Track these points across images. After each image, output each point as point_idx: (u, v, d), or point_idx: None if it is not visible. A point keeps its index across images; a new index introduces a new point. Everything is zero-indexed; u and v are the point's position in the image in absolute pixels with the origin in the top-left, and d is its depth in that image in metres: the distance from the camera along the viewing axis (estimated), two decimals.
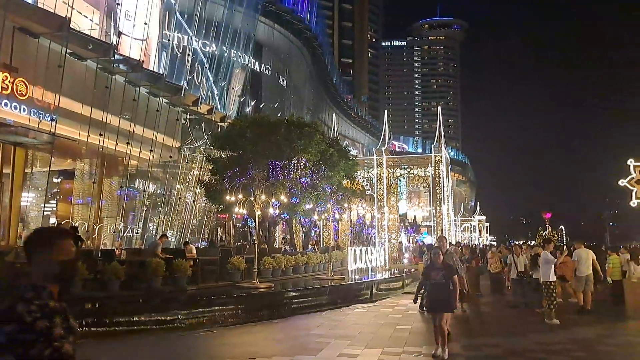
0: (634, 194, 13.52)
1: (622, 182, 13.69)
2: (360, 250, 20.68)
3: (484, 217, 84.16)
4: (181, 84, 26.35)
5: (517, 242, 28.29)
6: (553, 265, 12.35)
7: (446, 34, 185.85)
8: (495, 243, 72.58)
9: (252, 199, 16.68)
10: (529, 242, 48.77)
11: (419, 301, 12.76)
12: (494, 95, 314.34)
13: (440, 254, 8.89)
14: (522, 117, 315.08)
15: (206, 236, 29.44)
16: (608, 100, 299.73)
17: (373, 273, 21.02)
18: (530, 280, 14.23)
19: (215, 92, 34.16)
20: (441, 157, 31.52)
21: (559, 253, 13.94)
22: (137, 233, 24.86)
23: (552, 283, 12.36)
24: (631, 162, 13.61)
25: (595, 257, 13.95)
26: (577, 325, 12.00)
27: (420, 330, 11.61)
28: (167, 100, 25.84)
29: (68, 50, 19.21)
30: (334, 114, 38.49)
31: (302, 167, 21.06)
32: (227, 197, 17.19)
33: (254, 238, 19.93)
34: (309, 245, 25.09)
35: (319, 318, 13.51)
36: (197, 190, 26.79)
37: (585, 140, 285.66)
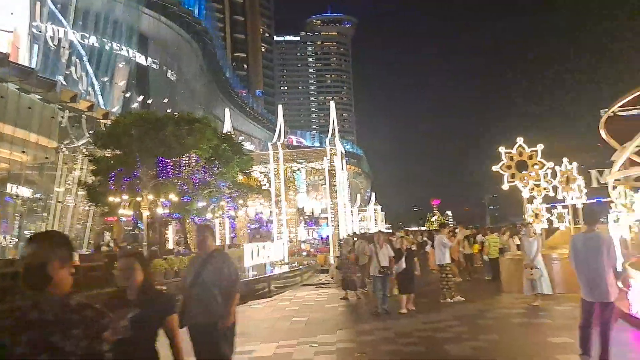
0: (505, 178, 14.63)
1: (495, 168, 14.78)
2: (258, 246, 20.47)
3: (379, 207, 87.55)
4: (56, 79, 24.25)
5: (382, 230, 24.80)
6: (448, 249, 13.20)
7: (338, 30, 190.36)
8: (390, 231, 75.82)
9: (138, 199, 15.79)
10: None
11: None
12: (384, 88, 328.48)
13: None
14: (411, 109, 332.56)
15: (91, 241, 27.46)
16: (487, 90, 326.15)
17: (271, 268, 20.94)
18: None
19: (97, 87, 31.98)
20: (336, 150, 32.13)
21: (452, 237, 14.87)
22: (11, 243, 22.57)
23: (448, 265, 13.17)
24: (502, 149, 14.72)
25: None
26: (460, 302, 12.83)
27: (316, 320, 11.75)
28: (40, 97, 23.64)
29: None
30: (227, 109, 37.59)
31: (193, 164, 20.34)
32: (111, 199, 16.11)
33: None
34: None
35: None
36: (80, 193, 24.85)
37: (468, 128, 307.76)
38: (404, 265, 12.06)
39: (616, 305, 7.01)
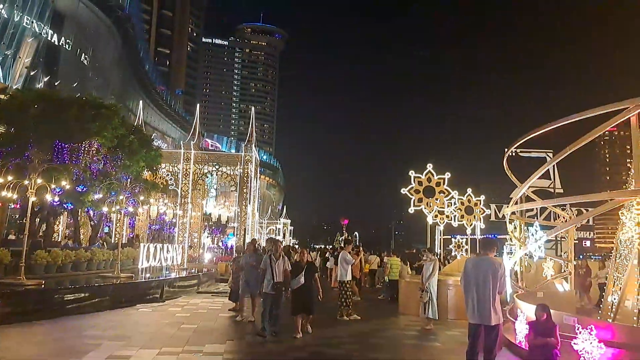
0: (412, 201, 14.92)
1: (404, 191, 15.06)
2: (155, 247, 19.27)
3: (289, 221, 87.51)
4: None
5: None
6: (350, 265, 13.08)
7: (268, 41, 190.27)
8: (297, 246, 75.79)
9: (26, 182, 14.26)
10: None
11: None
12: (307, 105, 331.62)
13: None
14: (331, 129, 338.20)
15: None
16: (403, 115, 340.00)
17: (167, 272, 19.81)
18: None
19: None
20: (251, 157, 31.53)
21: (356, 254, 14.85)
22: None
23: (348, 282, 13.02)
24: (412, 173, 15.04)
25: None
26: (356, 321, 12.75)
27: (207, 329, 11.13)
28: None
29: None
30: (142, 101, 35.70)
31: (94, 152, 18.89)
32: None
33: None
34: (97, 240, 22.59)
35: (96, 318, 12.16)
36: None
37: (383, 153, 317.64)
38: (302, 281, 10.25)
39: (501, 333, 7.14)
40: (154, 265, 18.86)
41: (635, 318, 9.74)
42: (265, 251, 12.64)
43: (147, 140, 23.96)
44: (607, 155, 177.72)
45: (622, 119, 7.85)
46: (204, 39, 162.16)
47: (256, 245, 13.95)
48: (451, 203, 14.96)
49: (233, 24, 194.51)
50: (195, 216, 30.85)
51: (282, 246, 11.08)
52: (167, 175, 29.06)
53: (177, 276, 19.28)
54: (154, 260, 18.86)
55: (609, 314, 11.29)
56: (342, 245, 15.72)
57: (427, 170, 14.64)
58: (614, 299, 11.19)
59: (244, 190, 30.77)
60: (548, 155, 22.65)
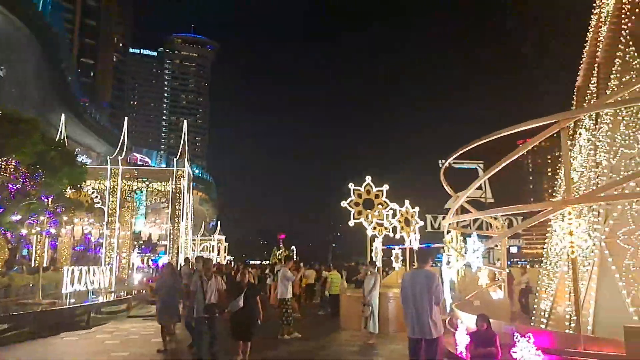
0: (352, 214, 14.88)
1: (344, 204, 14.97)
2: (80, 270, 18.03)
3: (223, 237, 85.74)
4: None
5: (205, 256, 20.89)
6: (291, 283, 12.79)
7: (199, 52, 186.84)
8: (233, 262, 74.26)
9: None
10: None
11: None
12: (242, 118, 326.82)
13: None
14: (266, 142, 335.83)
15: None
16: (340, 129, 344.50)
17: (94, 296, 18.59)
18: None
19: None
20: (183, 172, 30.56)
21: (296, 270, 14.56)
22: None
23: (289, 300, 12.70)
24: (352, 186, 15.01)
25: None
26: (297, 339, 12.48)
27: (138, 356, 10.42)
28: None
29: None
30: (64, 115, 33.71)
31: (11, 170, 17.49)
32: None
33: None
34: (16, 264, 20.86)
35: (16, 351, 11.15)
36: None
37: (320, 165, 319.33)
38: (241, 304, 9.33)
39: (442, 344, 7.14)
40: (79, 289, 17.67)
41: (567, 324, 10.14)
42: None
43: (71, 155, 22.57)
44: (530, 165, 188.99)
45: (552, 132, 8.15)
46: (131, 50, 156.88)
47: (178, 266, 13.29)
48: (389, 215, 15.06)
49: (163, 35, 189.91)
50: (123, 235, 29.39)
51: (213, 264, 10.36)
52: (93, 192, 27.52)
53: (105, 300, 18.14)
54: (79, 284, 17.66)
55: (541, 320, 11.72)
56: (280, 260, 15.40)
57: (366, 183, 14.67)
58: (546, 305, 11.63)
59: (176, 207, 29.74)
60: (479, 166, 23.67)
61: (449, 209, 13.37)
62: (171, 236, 29.48)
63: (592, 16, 12.05)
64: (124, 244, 29.29)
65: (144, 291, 13.13)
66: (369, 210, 14.42)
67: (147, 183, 29.41)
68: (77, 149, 36.86)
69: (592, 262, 9.68)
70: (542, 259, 12.51)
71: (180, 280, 12.04)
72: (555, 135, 8.74)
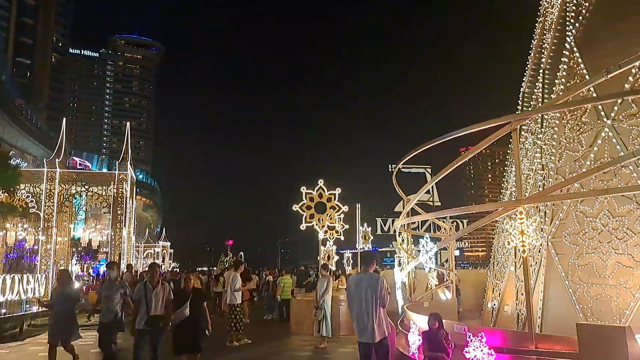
0: (304, 218, 14.68)
1: (296, 207, 14.75)
2: (13, 278, 16.88)
3: (168, 244, 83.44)
4: None
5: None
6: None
7: (144, 54, 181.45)
8: (178, 269, 72.30)
9: None
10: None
11: None
12: (188, 122, 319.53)
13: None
14: (214, 147, 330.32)
15: None
16: (293, 132, 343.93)
17: (28, 306, 17.45)
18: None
19: None
20: (126, 176, 29.38)
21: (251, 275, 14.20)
22: None
23: (239, 305, 12.35)
24: (303, 189, 14.81)
25: None
26: (247, 345, 12.14)
27: None
28: None
29: None
30: None
31: None
32: None
33: None
34: None
35: None
36: None
37: (271, 169, 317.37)
38: (187, 313, 8.39)
39: (393, 345, 7.09)
40: (11, 299, 16.53)
41: (515, 322, 10.35)
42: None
43: (4, 157, 21.17)
44: (472, 172, 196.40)
45: (503, 134, 8.28)
46: (71, 50, 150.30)
47: (120, 273, 12.52)
48: (340, 218, 14.98)
49: (105, 35, 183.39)
50: (61, 241, 27.85)
51: (161, 270, 9.38)
52: (28, 196, 25.95)
53: (40, 310, 17.05)
54: (11, 293, 16.53)
55: (489, 319, 11.93)
56: (228, 266, 15.01)
57: (318, 186, 14.52)
58: (494, 304, 11.86)
59: (118, 212, 28.54)
60: (426, 171, 24.15)
61: (399, 212, 13.44)
62: (113, 242, 28.24)
63: (536, 24, 12.47)
64: (61, 251, 27.76)
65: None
66: (321, 214, 14.28)
67: (86, 187, 28.06)
68: (11, 152, 34.70)
69: (539, 262, 9.93)
70: (483, 261, 12.80)
71: (78, 291, 11.06)
72: (495, 143, 8.92)
